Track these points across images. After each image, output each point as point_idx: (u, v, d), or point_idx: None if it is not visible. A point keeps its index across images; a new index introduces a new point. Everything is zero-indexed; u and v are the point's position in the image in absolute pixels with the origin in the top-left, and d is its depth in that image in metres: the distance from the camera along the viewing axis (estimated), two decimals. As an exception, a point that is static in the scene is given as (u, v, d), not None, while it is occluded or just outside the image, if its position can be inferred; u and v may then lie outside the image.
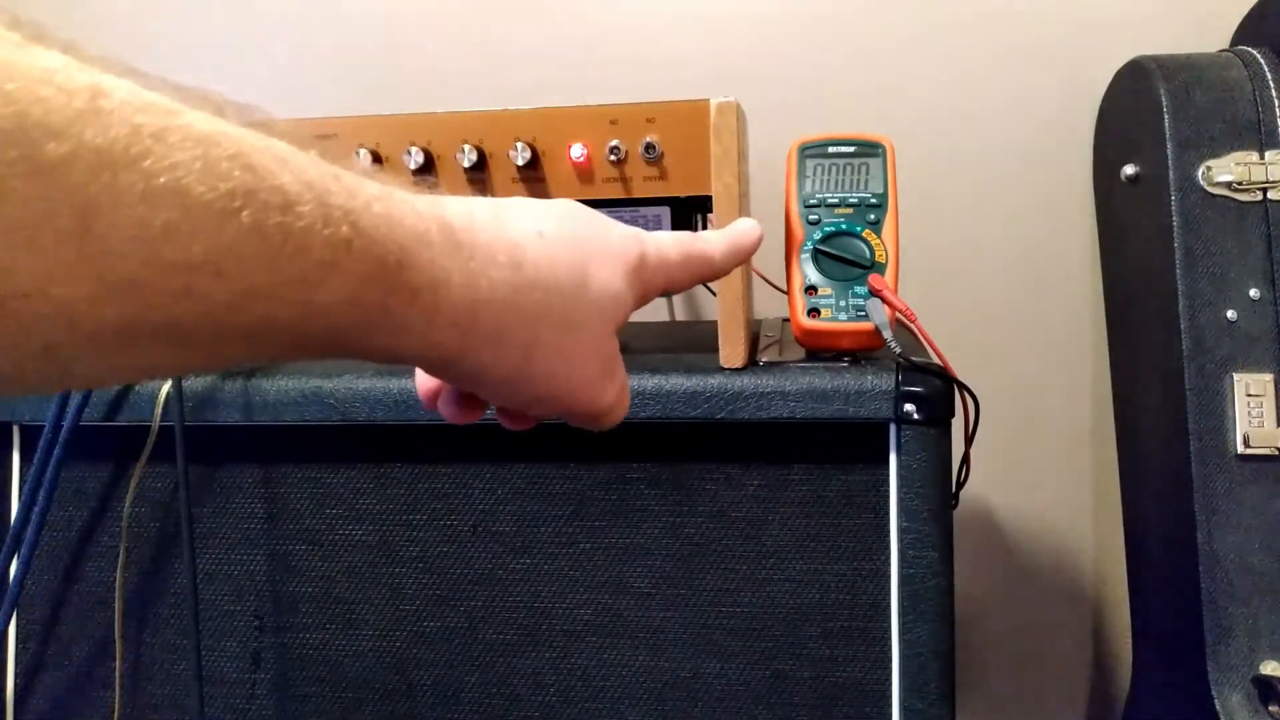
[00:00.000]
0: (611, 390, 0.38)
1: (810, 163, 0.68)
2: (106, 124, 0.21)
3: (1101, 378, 1.01)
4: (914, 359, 0.62)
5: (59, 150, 0.20)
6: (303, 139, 0.27)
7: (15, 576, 0.65)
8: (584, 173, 0.63)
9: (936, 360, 0.63)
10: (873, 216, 0.66)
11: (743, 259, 0.45)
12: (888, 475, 0.62)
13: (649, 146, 0.62)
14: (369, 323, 0.28)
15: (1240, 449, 0.78)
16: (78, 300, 0.21)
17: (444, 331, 0.31)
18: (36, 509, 0.63)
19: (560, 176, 0.64)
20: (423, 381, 0.39)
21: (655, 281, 0.40)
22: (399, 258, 0.28)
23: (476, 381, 0.34)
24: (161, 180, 0.22)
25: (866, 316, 0.63)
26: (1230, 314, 0.80)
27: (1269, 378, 0.79)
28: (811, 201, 0.67)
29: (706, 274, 0.43)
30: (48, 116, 0.20)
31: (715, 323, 0.64)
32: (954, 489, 0.64)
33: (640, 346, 0.76)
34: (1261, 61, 0.85)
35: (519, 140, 0.63)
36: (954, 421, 0.62)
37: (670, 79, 1.03)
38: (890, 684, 0.62)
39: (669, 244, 0.41)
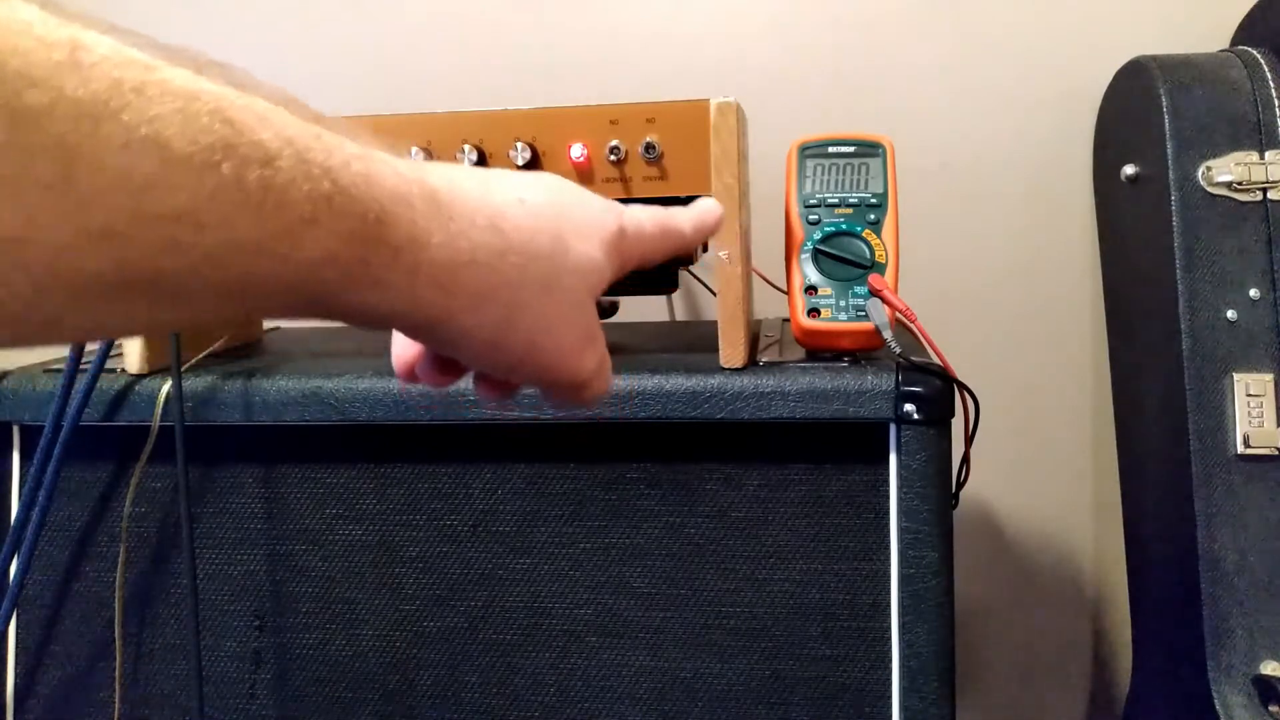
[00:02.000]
0: (591, 359, 0.38)
1: (810, 163, 0.68)
2: (86, 77, 0.21)
3: (1101, 378, 1.01)
4: (914, 359, 0.62)
5: (39, 100, 0.20)
6: (283, 98, 0.27)
7: (15, 576, 0.65)
8: (584, 173, 0.63)
9: (936, 360, 0.63)
10: (873, 216, 0.66)
11: (708, 235, 0.47)
12: (888, 475, 0.62)
13: (649, 146, 0.62)
14: (350, 280, 0.29)
15: (1240, 449, 0.78)
16: (60, 249, 0.22)
17: (426, 291, 0.31)
18: (37, 509, 0.63)
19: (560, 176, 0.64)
20: (399, 353, 0.39)
21: (633, 254, 0.41)
22: (379, 215, 0.28)
23: (457, 345, 0.34)
24: (142, 132, 0.22)
25: (866, 316, 0.63)
26: (1230, 314, 0.80)
27: (1269, 378, 0.79)
28: (811, 201, 0.67)
29: (678, 249, 0.45)
30: (27, 67, 0.20)
31: (715, 323, 0.64)
32: (954, 489, 0.64)
33: (640, 346, 0.76)
34: (1261, 61, 0.85)
35: (519, 140, 0.63)
36: (954, 421, 0.62)
37: (670, 79, 1.03)
38: (890, 684, 0.62)
39: (645, 218, 0.42)
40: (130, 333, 0.26)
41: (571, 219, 0.37)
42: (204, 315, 0.27)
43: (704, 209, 0.47)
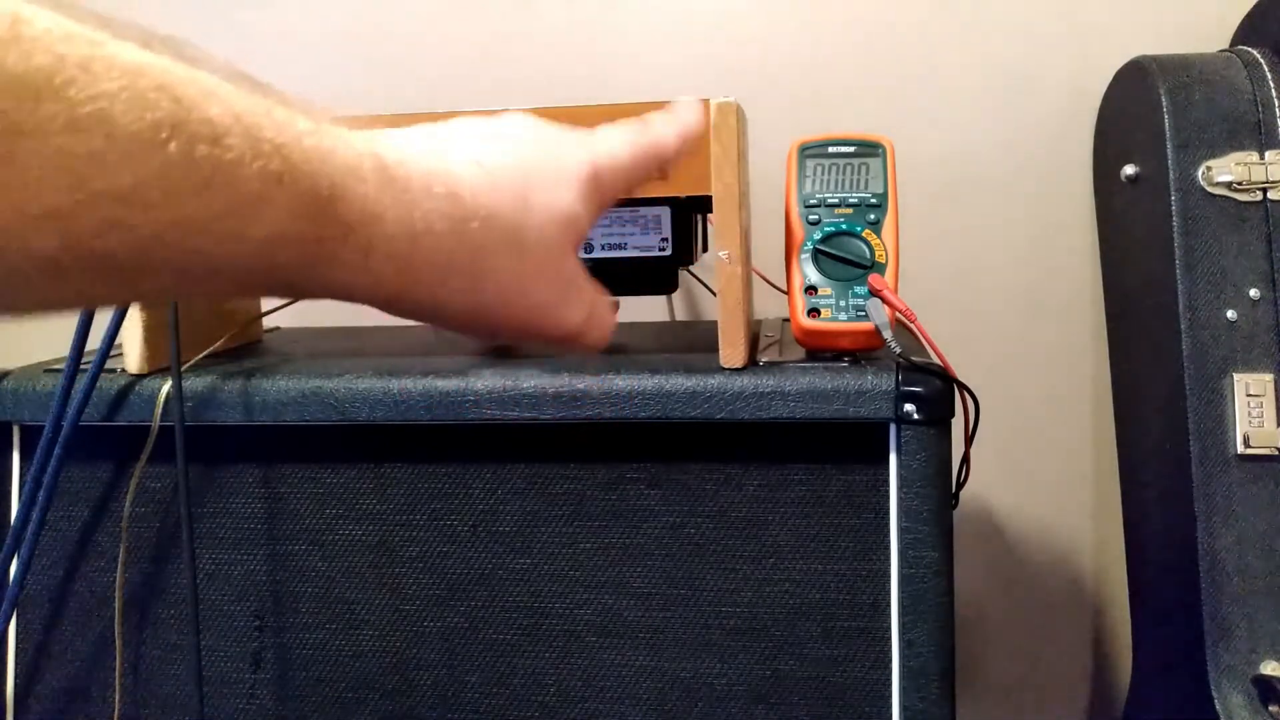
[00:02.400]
0: (576, 310, 0.38)
1: (810, 163, 0.68)
2: (28, 51, 0.21)
3: (1101, 378, 1.01)
4: (914, 359, 0.62)
5: None
6: (234, 74, 0.27)
7: (15, 576, 0.65)
8: (584, 173, 0.63)
9: (936, 360, 0.63)
10: (873, 216, 0.66)
11: (694, 136, 0.44)
12: (888, 475, 0.62)
13: (649, 146, 0.62)
14: (304, 259, 0.28)
15: (1240, 449, 0.78)
16: (5, 229, 0.21)
17: (381, 266, 0.30)
18: (36, 509, 0.63)
19: (560, 176, 0.64)
20: None
21: (614, 187, 0.40)
22: (330, 192, 0.28)
23: (437, 317, 0.34)
24: (86, 110, 0.22)
25: (866, 316, 0.63)
26: (1230, 314, 0.80)
27: (1269, 378, 0.79)
28: (811, 201, 0.67)
29: (664, 163, 0.43)
30: None
31: (715, 323, 0.64)
32: (954, 489, 0.64)
33: (640, 346, 0.76)
34: (1261, 61, 0.85)
35: (519, 140, 0.63)
36: (954, 421, 0.62)
37: (670, 79, 1.03)
38: (890, 684, 0.62)
39: (620, 147, 0.40)
40: (89, 306, 0.27)
41: (537, 171, 0.36)
42: (157, 293, 0.27)
43: (681, 110, 0.44)
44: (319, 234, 0.28)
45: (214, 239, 0.25)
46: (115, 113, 0.22)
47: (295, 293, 0.30)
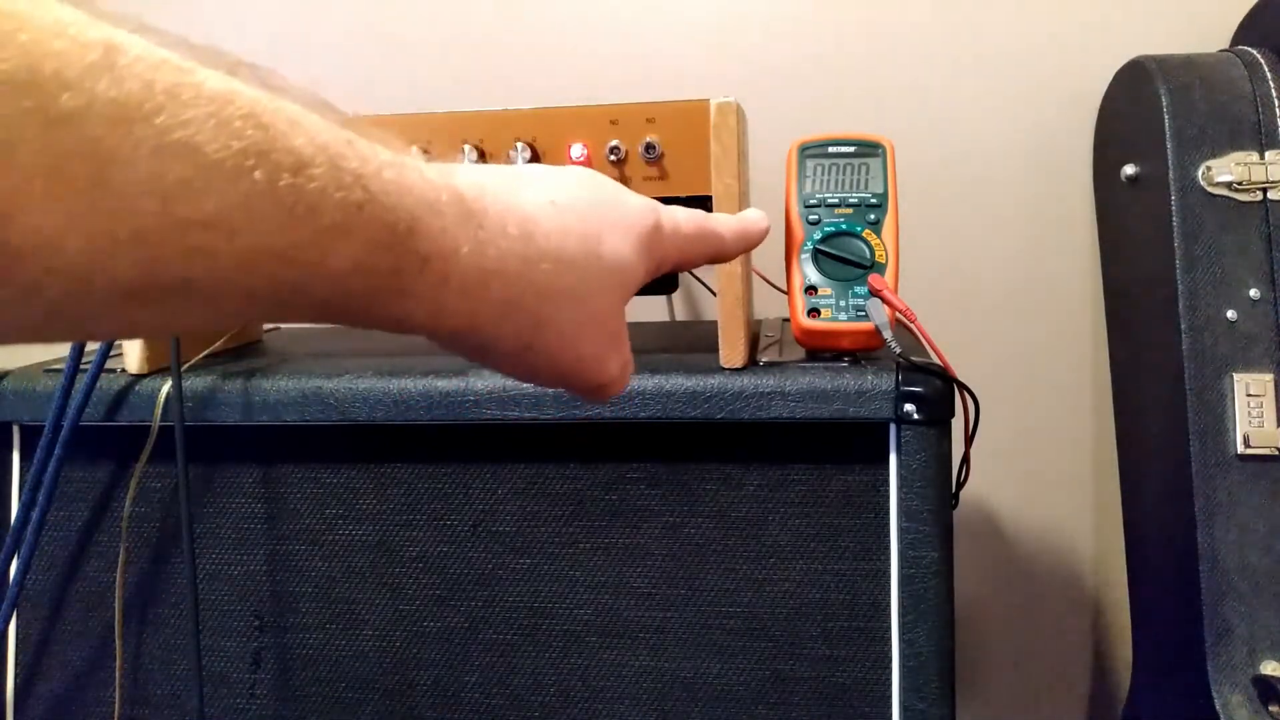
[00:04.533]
0: (615, 364, 0.38)
1: (810, 163, 0.68)
2: (120, 78, 0.21)
3: (1101, 378, 1.01)
4: (914, 359, 0.62)
5: (73, 102, 0.20)
6: (317, 104, 0.27)
7: (15, 576, 0.65)
8: (584, 173, 0.63)
9: (936, 360, 0.63)
10: (873, 216, 0.66)
11: (750, 247, 0.46)
12: (888, 475, 0.62)
13: (649, 146, 0.62)
14: (378, 290, 0.28)
15: (1240, 449, 0.78)
16: (92, 253, 0.21)
17: (453, 301, 0.30)
18: (37, 509, 0.63)
19: (560, 176, 0.64)
20: None
21: (669, 254, 0.40)
22: (409, 224, 0.28)
23: (485, 354, 0.34)
24: (175, 136, 0.22)
25: (866, 316, 0.63)
26: (1230, 314, 0.80)
27: (1269, 378, 0.79)
28: (811, 201, 0.66)
29: (715, 255, 0.44)
30: (62, 69, 0.20)
31: (715, 323, 0.64)
32: (954, 489, 0.64)
33: (640, 346, 0.75)
34: (1261, 61, 0.85)
35: (519, 140, 0.63)
36: (954, 421, 0.62)
37: (670, 79, 1.03)
38: (890, 684, 0.62)
39: (684, 218, 0.41)
40: (156, 334, 0.27)
41: (605, 218, 0.36)
42: (231, 319, 0.27)
43: (750, 219, 0.46)
44: (395, 266, 0.28)
45: (294, 268, 0.26)
46: (202, 140, 0.22)
47: (360, 322, 0.30)
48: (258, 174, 0.24)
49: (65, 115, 0.20)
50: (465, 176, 0.32)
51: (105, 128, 0.21)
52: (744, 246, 0.45)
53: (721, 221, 0.44)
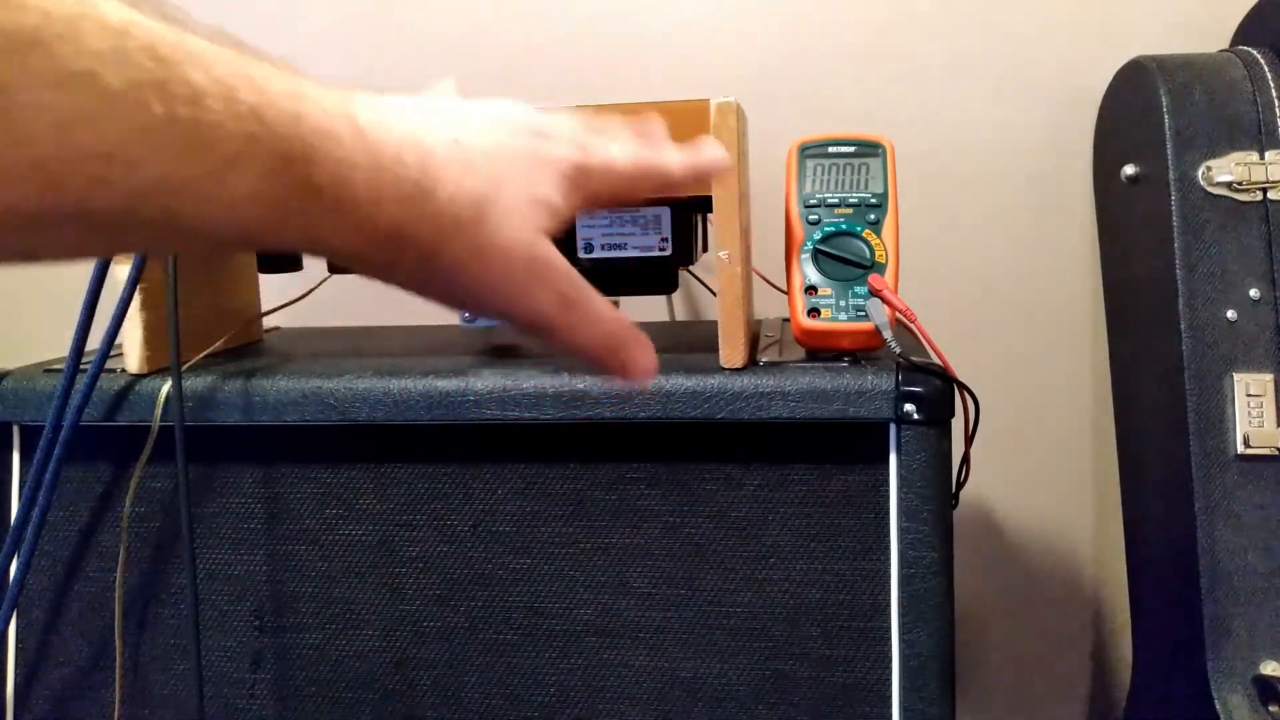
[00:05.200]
0: (543, 297, 0.37)
1: (810, 163, 0.68)
2: (20, 6, 0.21)
3: (1101, 378, 1.01)
4: (914, 359, 0.62)
5: None
6: (216, 35, 0.28)
7: (15, 576, 0.65)
8: (584, 173, 0.63)
9: (936, 360, 0.63)
10: (873, 216, 0.66)
11: (704, 178, 0.44)
12: (888, 475, 0.62)
13: (649, 146, 0.62)
14: (276, 217, 0.29)
15: (1240, 449, 0.78)
16: None
17: (348, 226, 0.31)
18: (37, 509, 0.63)
19: (560, 176, 0.64)
20: None
21: (599, 191, 0.40)
22: (304, 153, 0.29)
23: (387, 276, 0.35)
24: (74, 67, 0.22)
25: (866, 316, 0.63)
26: (1230, 314, 0.80)
27: (1269, 378, 0.79)
28: (811, 201, 0.67)
29: (661, 188, 0.43)
30: None
31: (715, 323, 0.64)
32: (954, 489, 0.64)
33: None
34: (1261, 62, 0.85)
35: (519, 140, 0.63)
36: (954, 421, 0.62)
37: (670, 79, 1.03)
38: (890, 684, 0.62)
39: (619, 155, 0.40)
40: (58, 259, 0.28)
41: (517, 157, 0.37)
42: (133, 246, 0.28)
43: (703, 150, 0.44)
44: (291, 194, 0.29)
45: (192, 198, 0.26)
46: (102, 72, 0.23)
47: (260, 247, 0.31)
48: (156, 106, 0.24)
49: None
50: (365, 107, 0.33)
51: (2, 58, 0.21)
52: (695, 179, 0.44)
53: (668, 157, 0.42)
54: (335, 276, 0.81)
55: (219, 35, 0.28)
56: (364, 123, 0.32)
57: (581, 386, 0.63)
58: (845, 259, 0.65)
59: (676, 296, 1.06)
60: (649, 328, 1.01)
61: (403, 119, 0.34)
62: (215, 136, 0.26)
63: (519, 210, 0.36)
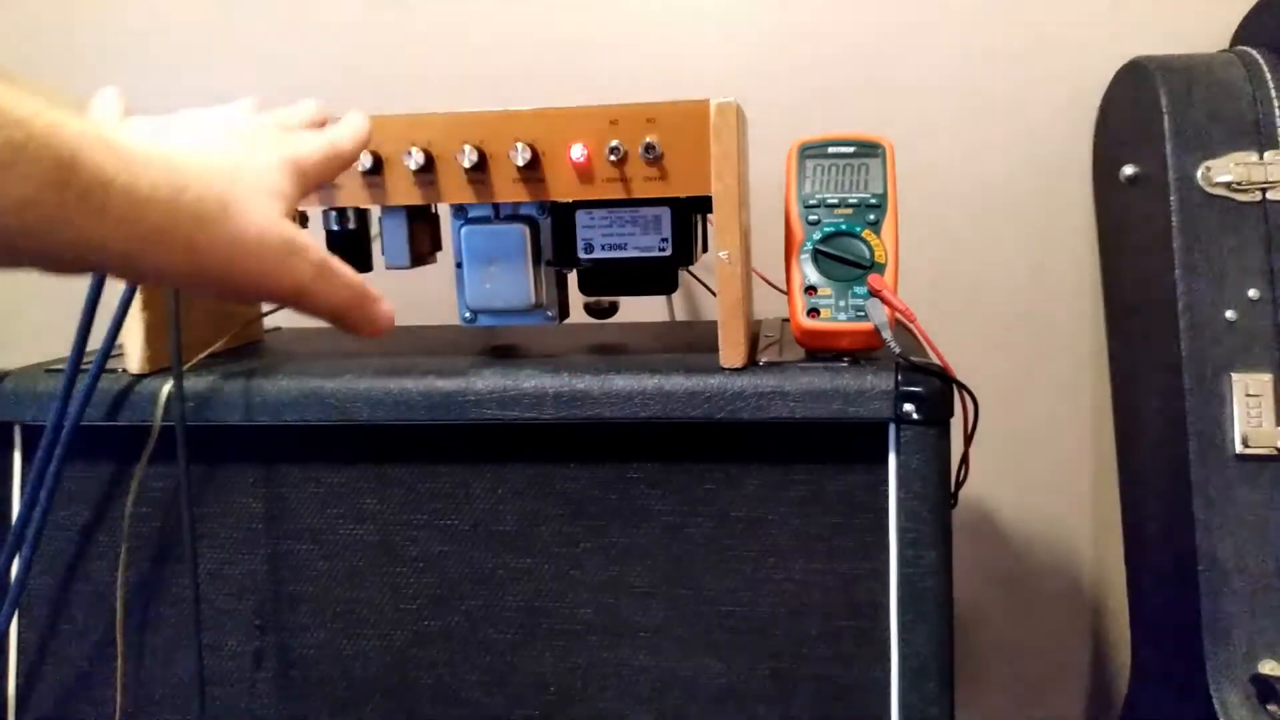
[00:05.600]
0: (300, 268, 0.43)
1: (810, 163, 0.68)
2: None
3: (1101, 378, 1.01)
4: (913, 359, 0.62)
5: None
6: None
7: (17, 576, 0.65)
8: (584, 173, 0.64)
9: (936, 360, 0.63)
10: (872, 217, 0.66)
11: (364, 143, 0.55)
12: (887, 475, 0.62)
13: (649, 147, 0.62)
14: (48, 222, 0.32)
15: (1239, 449, 0.78)
16: None
17: (114, 228, 0.34)
18: (38, 509, 0.63)
19: (560, 177, 0.64)
20: None
21: (310, 176, 0.48)
22: (70, 158, 0.32)
23: (161, 279, 0.39)
24: None
25: (866, 316, 0.63)
26: (1229, 314, 0.80)
27: (1268, 378, 0.79)
28: (811, 202, 0.67)
29: (345, 165, 0.53)
30: None
31: (715, 323, 0.64)
32: (953, 489, 0.64)
33: (640, 346, 0.76)
34: (1261, 62, 0.85)
35: (519, 140, 0.63)
36: (953, 421, 0.62)
37: (670, 79, 1.03)
38: (890, 683, 0.62)
39: (315, 146, 0.49)
40: None
41: (244, 155, 0.42)
42: None
43: (353, 119, 0.55)
44: (62, 198, 0.32)
45: None
46: None
47: (41, 261, 0.34)
48: None
49: None
50: (109, 123, 0.38)
51: None
52: (361, 147, 0.56)
53: (339, 138, 0.52)
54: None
55: None
56: (109, 133, 0.34)
57: (581, 387, 0.63)
58: (845, 259, 0.65)
59: (676, 296, 1.06)
60: (649, 328, 1.01)
61: (142, 132, 0.40)
62: None
63: (260, 200, 0.41)
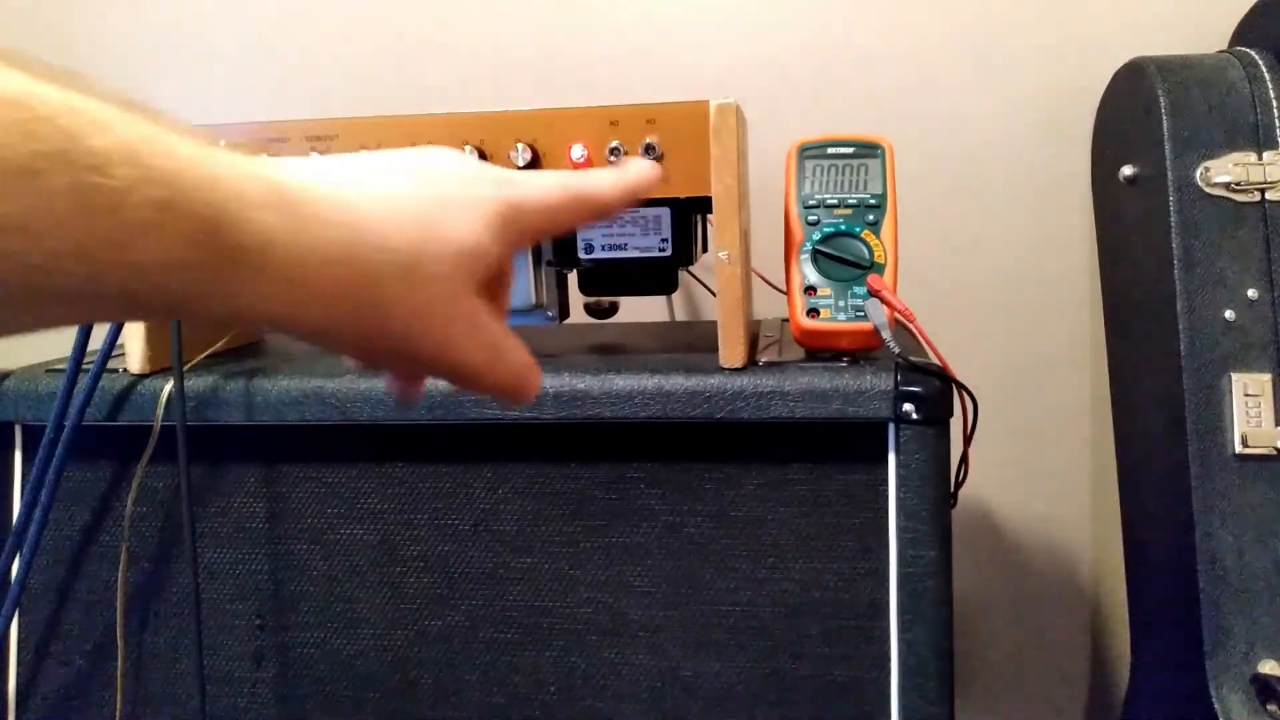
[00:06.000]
0: (475, 351, 0.37)
1: (809, 163, 0.68)
2: None
3: (1100, 378, 1.02)
4: (913, 359, 0.62)
5: None
6: (124, 102, 0.27)
7: (17, 576, 0.65)
8: (584, 173, 0.64)
9: (935, 360, 0.63)
10: (872, 217, 0.66)
11: (638, 196, 0.44)
12: (887, 475, 0.62)
13: (649, 147, 0.62)
14: (195, 283, 0.28)
15: (1238, 449, 0.78)
16: None
17: (273, 290, 0.30)
18: (38, 509, 0.63)
19: (560, 177, 0.64)
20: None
21: (532, 227, 0.39)
22: (221, 218, 0.28)
23: (324, 342, 0.34)
24: None
25: (865, 317, 0.63)
26: (1229, 314, 0.80)
27: (1267, 377, 0.79)
28: (811, 202, 0.67)
29: (596, 214, 0.43)
30: None
31: (715, 323, 0.64)
32: (953, 489, 0.64)
33: (640, 346, 0.76)
34: (1260, 62, 0.85)
35: (519, 141, 0.63)
36: (953, 421, 0.62)
37: (670, 79, 1.03)
38: (890, 683, 0.62)
39: (547, 187, 0.40)
40: None
41: (444, 204, 0.35)
42: (49, 321, 0.27)
43: (633, 168, 0.44)
44: (209, 259, 0.28)
45: (103, 267, 0.26)
46: (1, 143, 0.23)
47: (188, 317, 0.30)
48: (59, 176, 0.24)
49: None
50: (282, 169, 0.32)
51: None
52: (632, 199, 0.44)
53: (600, 180, 0.42)
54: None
55: (127, 102, 0.27)
56: (281, 184, 0.31)
57: (582, 386, 0.63)
58: (844, 259, 0.65)
59: (676, 296, 1.06)
60: (649, 328, 1.01)
61: (322, 177, 0.33)
62: (124, 203, 0.25)
63: (449, 262, 0.35)
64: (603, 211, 0.43)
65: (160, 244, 0.27)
